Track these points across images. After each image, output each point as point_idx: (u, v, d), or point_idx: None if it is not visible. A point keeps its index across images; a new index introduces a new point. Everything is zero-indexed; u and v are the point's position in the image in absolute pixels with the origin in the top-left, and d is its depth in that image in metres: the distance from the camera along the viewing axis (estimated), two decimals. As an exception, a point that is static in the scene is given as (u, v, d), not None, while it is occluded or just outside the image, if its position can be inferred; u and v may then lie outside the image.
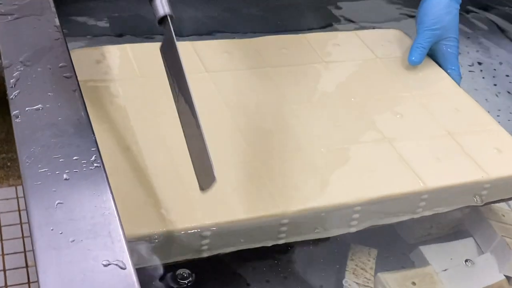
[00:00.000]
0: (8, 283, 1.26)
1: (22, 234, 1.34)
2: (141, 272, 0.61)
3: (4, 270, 1.27)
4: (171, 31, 0.55)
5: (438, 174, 0.71)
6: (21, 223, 1.36)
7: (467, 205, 0.74)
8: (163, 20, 0.56)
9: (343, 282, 0.68)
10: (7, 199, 1.39)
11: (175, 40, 0.55)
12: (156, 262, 0.61)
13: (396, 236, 0.77)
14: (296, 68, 0.86)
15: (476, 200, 0.72)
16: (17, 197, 1.39)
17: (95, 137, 0.59)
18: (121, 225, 0.51)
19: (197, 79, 0.80)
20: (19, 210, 1.37)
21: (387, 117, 0.79)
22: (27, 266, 1.29)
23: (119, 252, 0.48)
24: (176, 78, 0.57)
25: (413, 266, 0.73)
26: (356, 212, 0.66)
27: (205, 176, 0.53)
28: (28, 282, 1.26)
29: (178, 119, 0.58)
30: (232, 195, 0.63)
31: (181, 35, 0.93)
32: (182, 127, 0.57)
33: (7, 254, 1.31)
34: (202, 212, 0.61)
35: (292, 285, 0.70)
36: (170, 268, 0.63)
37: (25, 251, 1.31)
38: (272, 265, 0.70)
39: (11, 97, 0.63)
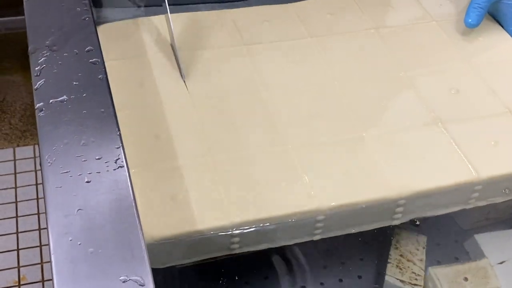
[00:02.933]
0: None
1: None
2: (169, 271, 0.60)
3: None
4: None
5: (493, 162, 0.64)
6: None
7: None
8: None
9: (386, 278, 0.63)
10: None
11: None
12: (183, 261, 0.59)
13: (449, 219, 0.71)
14: (341, 37, 0.79)
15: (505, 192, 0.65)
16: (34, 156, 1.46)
17: (120, 132, 0.56)
18: (142, 234, 0.48)
19: (233, 54, 0.75)
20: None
21: (440, 93, 0.72)
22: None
23: (138, 266, 0.46)
24: None
25: (468, 257, 0.68)
26: (399, 205, 0.61)
27: None
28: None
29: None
30: (263, 190, 0.60)
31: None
32: None
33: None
34: (232, 209, 0.58)
35: (330, 274, 0.67)
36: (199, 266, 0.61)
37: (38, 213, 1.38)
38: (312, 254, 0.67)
39: (35, 87, 0.61)
